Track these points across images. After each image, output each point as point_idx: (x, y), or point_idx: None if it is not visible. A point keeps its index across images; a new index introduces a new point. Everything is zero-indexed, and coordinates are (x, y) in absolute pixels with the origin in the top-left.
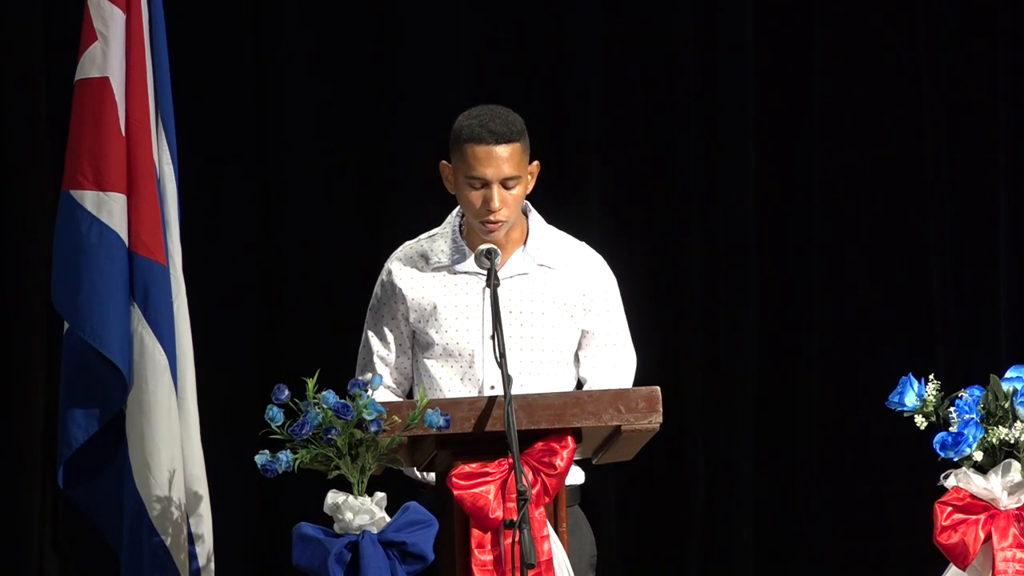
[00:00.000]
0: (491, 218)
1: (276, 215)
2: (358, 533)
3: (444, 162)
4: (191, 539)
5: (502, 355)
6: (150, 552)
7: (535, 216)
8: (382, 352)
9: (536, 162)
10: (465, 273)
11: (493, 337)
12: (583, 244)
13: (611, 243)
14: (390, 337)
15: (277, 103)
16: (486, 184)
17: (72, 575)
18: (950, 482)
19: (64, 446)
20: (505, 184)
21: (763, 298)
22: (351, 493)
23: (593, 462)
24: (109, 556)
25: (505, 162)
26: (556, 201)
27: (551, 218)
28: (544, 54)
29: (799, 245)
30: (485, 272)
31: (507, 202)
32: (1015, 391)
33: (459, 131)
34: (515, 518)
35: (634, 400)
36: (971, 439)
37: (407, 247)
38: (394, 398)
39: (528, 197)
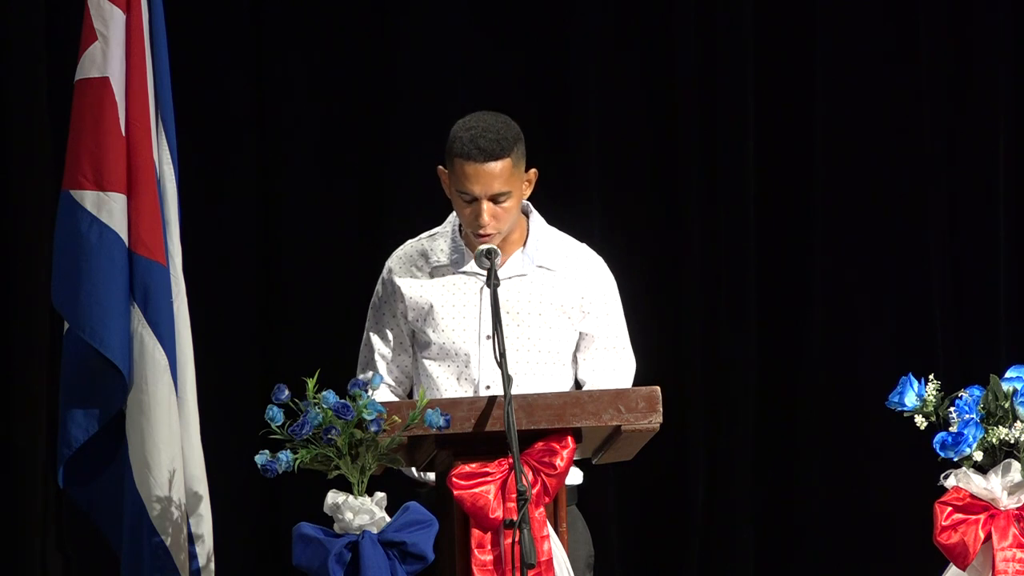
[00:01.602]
0: (480, 232)
1: (276, 215)
2: (358, 533)
3: (441, 167)
4: (191, 539)
5: (502, 355)
6: (150, 552)
7: (536, 217)
8: (383, 350)
9: (534, 169)
10: (463, 273)
11: (491, 337)
12: (583, 246)
13: (611, 243)
14: (390, 336)
15: (277, 103)
16: (475, 199)
17: (75, 574)
18: (950, 482)
19: (64, 446)
20: (495, 199)
21: (763, 298)
22: (351, 493)
23: (593, 462)
24: (112, 555)
25: (495, 179)
26: (556, 202)
27: (551, 218)
28: (544, 54)
29: (799, 245)
30: (484, 272)
31: (497, 215)
32: (1015, 391)
33: (452, 143)
34: (515, 518)
35: (634, 400)
36: (971, 439)
37: (407, 246)
38: (394, 397)
39: (528, 198)
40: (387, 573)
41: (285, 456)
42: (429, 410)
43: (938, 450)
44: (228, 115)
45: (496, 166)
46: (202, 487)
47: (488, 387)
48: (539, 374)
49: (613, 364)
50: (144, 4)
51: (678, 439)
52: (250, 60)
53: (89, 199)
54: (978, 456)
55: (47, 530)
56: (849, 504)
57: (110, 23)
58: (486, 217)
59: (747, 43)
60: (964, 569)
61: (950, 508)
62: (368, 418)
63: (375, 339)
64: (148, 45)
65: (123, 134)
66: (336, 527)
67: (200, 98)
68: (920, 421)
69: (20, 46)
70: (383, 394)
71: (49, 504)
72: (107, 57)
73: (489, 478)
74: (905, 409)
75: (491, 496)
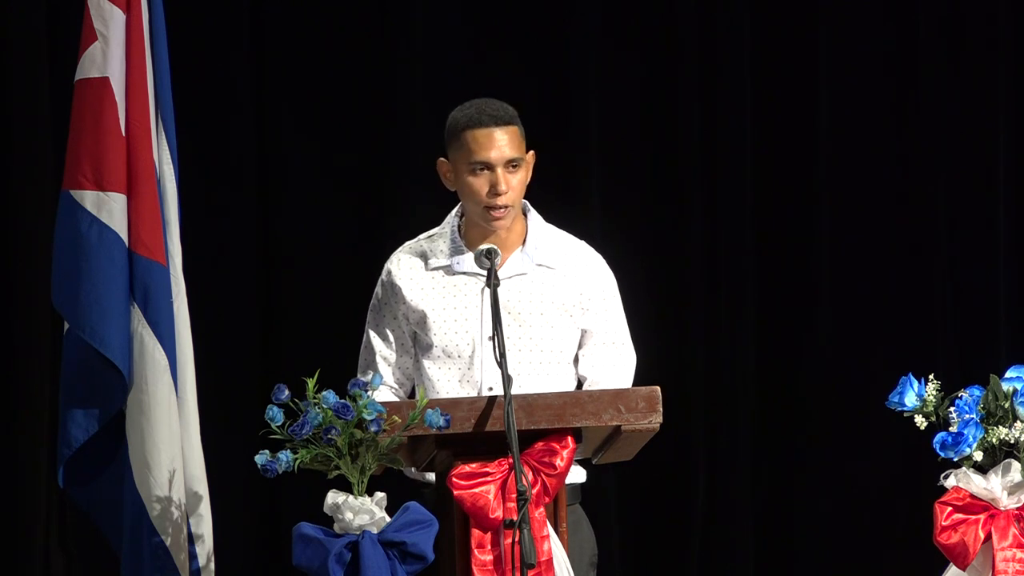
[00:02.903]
0: (498, 202)
1: (276, 215)
2: (358, 533)
3: (442, 159)
4: (191, 539)
5: (502, 355)
6: (150, 552)
7: (534, 216)
8: (384, 352)
9: (532, 151)
10: (463, 274)
11: (492, 338)
12: (582, 243)
13: (612, 243)
14: (391, 337)
15: (277, 102)
16: (490, 168)
17: (77, 574)
18: (950, 482)
19: (64, 446)
20: (508, 167)
21: (763, 298)
22: (351, 493)
23: (593, 462)
24: (114, 554)
25: (507, 144)
26: (557, 201)
27: (552, 218)
28: (545, 54)
29: (799, 245)
30: (484, 272)
31: (512, 186)
32: (1015, 391)
33: (455, 121)
34: (515, 518)
35: (634, 400)
36: (971, 439)
37: (407, 247)
38: (395, 398)
39: (528, 195)
40: (387, 573)
41: (285, 456)
42: (429, 410)
43: (938, 450)
44: (228, 115)
45: (506, 132)
46: (202, 487)
47: (491, 388)
48: (542, 374)
49: (613, 360)
50: (144, 4)
51: (678, 439)
52: (250, 60)
53: (89, 199)
54: (978, 456)
55: (49, 528)
56: (849, 504)
57: (110, 23)
58: (503, 185)
59: (746, 42)
60: (964, 569)
61: (950, 508)
62: (368, 418)
63: (376, 341)
64: (148, 45)
65: (123, 134)
66: (336, 527)
67: (200, 99)
68: (920, 421)
69: (21, 46)
70: (384, 396)
71: (52, 502)
72: (107, 57)
73: (489, 478)
74: (905, 409)
75: (491, 496)
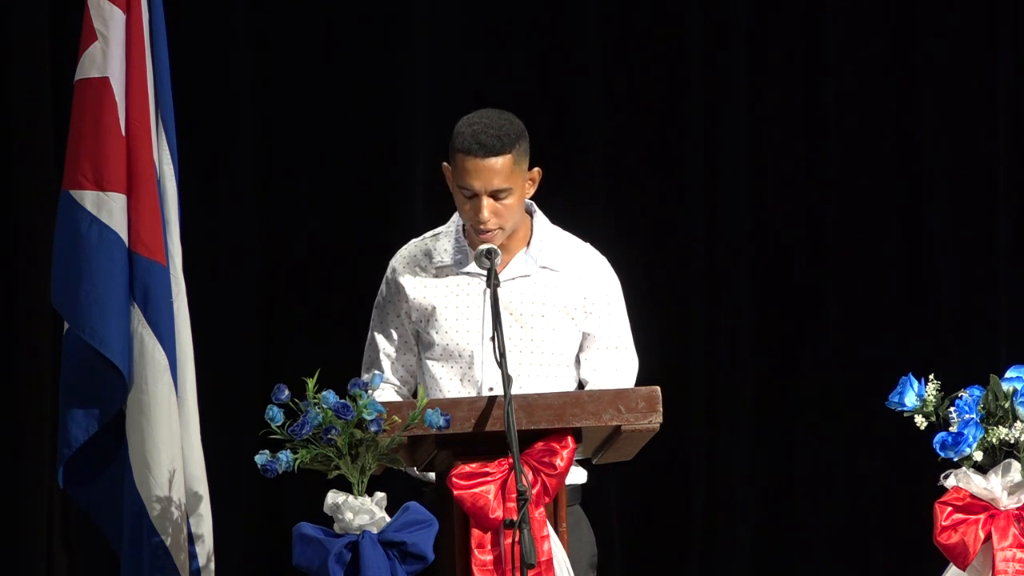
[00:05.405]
0: (481, 228)
1: (276, 215)
2: (358, 533)
3: (445, 163)
4: (191, 539)
5: (502, 355)
6: (150, 552)
7: (540, 217)
8: (388, 350)
9: (537, 168)
10: (467, 273)
11: (493, 338)
12: (587, 246)
13: (614, 243)
14: (395, 335)
15: (278, 102)
16: (476, 195)
17: (79, 574)
18: (950, 482)
19: (64, 446)
20: (495, 196)
21: (763, 298)
22: (351, 493)
23: (593, 462)
24: (114, 554)
25: (495, 175)
26: (560, 205)
27: (557, 219)
28: (548, 55)
29: (799, 246)
30: (486, 272)
31: (498, 212)
32: (1015, 391)
33: (455, 138)
34: (515, 518)
35: (634, 400)
36: (971, 439)
37: (411, 245)
38: (398, 397)
39: (534, 200)
40: (387, 573)
41: (285, 456)
42: (429, 410)
43: (938, 450)
44: (228, 115)
45: (497, 162)
46: (202, 487)
47: (491, 388)
48: (542, 375)
49: (615, 364)
50: (144, 4)
51: (678, 439)
52: (250, 60)
53: (89, 199)
54: (978, 456)
55: (52, 528)
56: (849, 504)
57: (110, 23)
58: (486, 213)
59: (746, 44)
60: (964, 569)
61: (950, 508)
62: (368, 418)
63: (380, 339)
64: (148, 45)
65: (123, 134)
66: (336, 527)
67: (200, 98)
68: (920, 421)
69: (21, 46)
70: (387, 394)
71: (54, 502)
72: (107, 57)
73: (489, 478)
74: (905, 409)
75: (491, 496)
